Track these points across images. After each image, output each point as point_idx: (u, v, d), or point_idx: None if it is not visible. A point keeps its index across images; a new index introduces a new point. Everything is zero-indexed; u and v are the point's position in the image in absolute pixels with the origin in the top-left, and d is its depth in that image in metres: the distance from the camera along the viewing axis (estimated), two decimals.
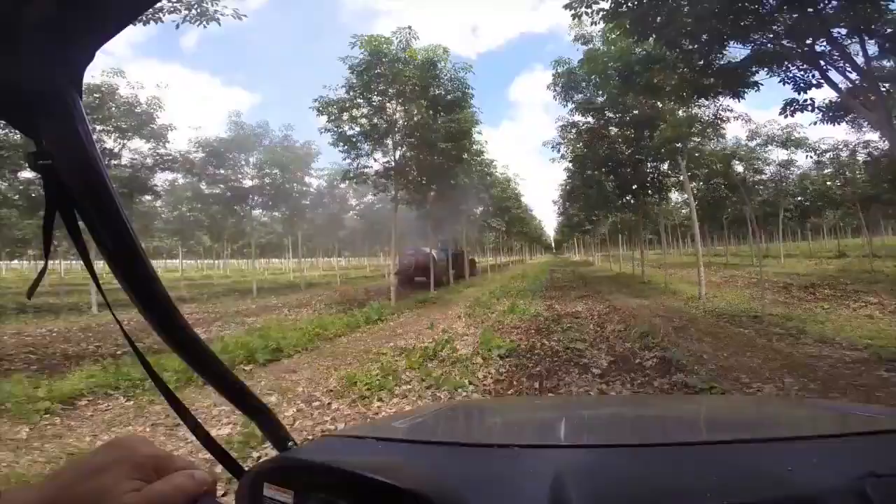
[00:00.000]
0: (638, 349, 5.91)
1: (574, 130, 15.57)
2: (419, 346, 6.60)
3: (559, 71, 13.15)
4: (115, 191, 0.45)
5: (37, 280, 0.51)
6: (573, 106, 13.89)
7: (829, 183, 25.44)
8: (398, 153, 12.96)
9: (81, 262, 0.53)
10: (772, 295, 12.00)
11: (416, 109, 12.04)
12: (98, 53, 0.44)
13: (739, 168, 22.59)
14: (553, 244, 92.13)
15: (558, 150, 17.39)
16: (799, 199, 23.71)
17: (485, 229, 29.11)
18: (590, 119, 14.76)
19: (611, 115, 13.61)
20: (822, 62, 6.64)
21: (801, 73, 6.88)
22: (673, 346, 5.90)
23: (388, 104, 12.07)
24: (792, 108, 7.09)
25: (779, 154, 22.06)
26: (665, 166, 14.30)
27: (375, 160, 13.19)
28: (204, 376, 0.58)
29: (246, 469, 0.63)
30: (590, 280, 18.83)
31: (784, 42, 6.65)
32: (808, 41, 6.48)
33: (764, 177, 23.31)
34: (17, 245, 22.75)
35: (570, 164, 18.03)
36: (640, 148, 14.57)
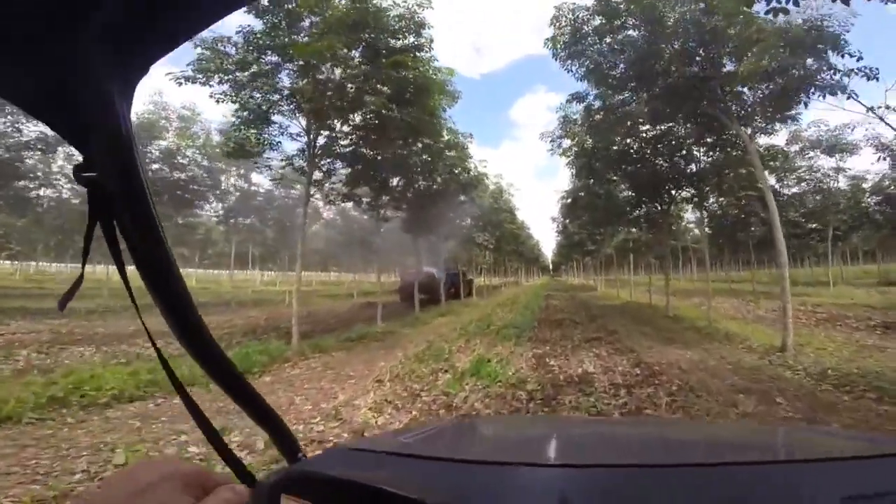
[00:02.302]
0: None
1: (581, 111, 11.62)
2: None
3: (563, 19, 9.03)
4: (154, 205, 0.46)
5: (72, 289, 0.49)
6: (583, 72, 9.68)
7: (868, 199, 21.79)
8: (322, 126, 8.94)
9: (117, 271, 0.52)
10: (884, 340, 8.02)
11: (343, 62, 8.03)
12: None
13: (771, 179, 18.91)
14: (551, 266, 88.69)
15: (559, 145, 13.56)
16: (844, 216, 19.67)
17: (472, 246, 24.99)
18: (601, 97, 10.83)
19: (637, 83, 9.36)
20: None
21: None
22: None
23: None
24: None
25: (824, 162, 18.35)
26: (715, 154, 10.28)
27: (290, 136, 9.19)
28: (221, 385, 0.60)
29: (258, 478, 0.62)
30: (595, 311, 14.60)
31: None
32: None
33: (802, 188, 19.52)
34: None
35: (575, 163, 13.97)
36: (673, 133, 10.68)
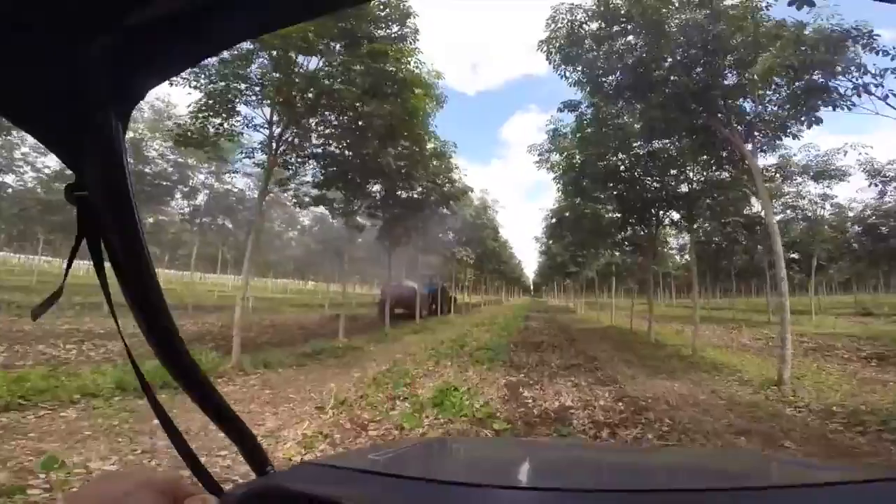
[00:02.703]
0: None
1: (572, 123, 11.12)
2: None
3: (560, 20, 8.22)
4: (142, 226, 0.47)
5: (49, 301, 0.49)
6: (578, 77, 8.84)
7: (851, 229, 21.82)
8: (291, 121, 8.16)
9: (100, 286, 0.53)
10: (882, 373, 7.57)
11: (318, 50, 7.33)
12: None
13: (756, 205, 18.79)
14: (532, 286, 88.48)
15: (546, 160, 13.07)
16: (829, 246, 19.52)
17: (452, 261, 24.26)
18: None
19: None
20: None
21: None
22: None
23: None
24: None
25: (810, 188, 18.27)
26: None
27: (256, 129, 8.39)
28: (194, 397, 0.60)
29: (224, 489, 0.64)
30: (576, 335, 13.93)
31: None
32: None
33: (787, 215, 19.41)
34: None
35: (562, 179, 13.44)
36: (666, 150, 10.23)
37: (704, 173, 10.50)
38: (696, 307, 11.08)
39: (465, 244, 24.20)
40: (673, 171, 10.58)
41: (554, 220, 22.99)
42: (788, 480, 0.90)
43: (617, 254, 18.03)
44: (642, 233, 13.21)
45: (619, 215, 13.70)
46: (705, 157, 10.06)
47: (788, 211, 17.53)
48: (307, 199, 11.37)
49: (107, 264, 0.50)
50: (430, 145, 12.89)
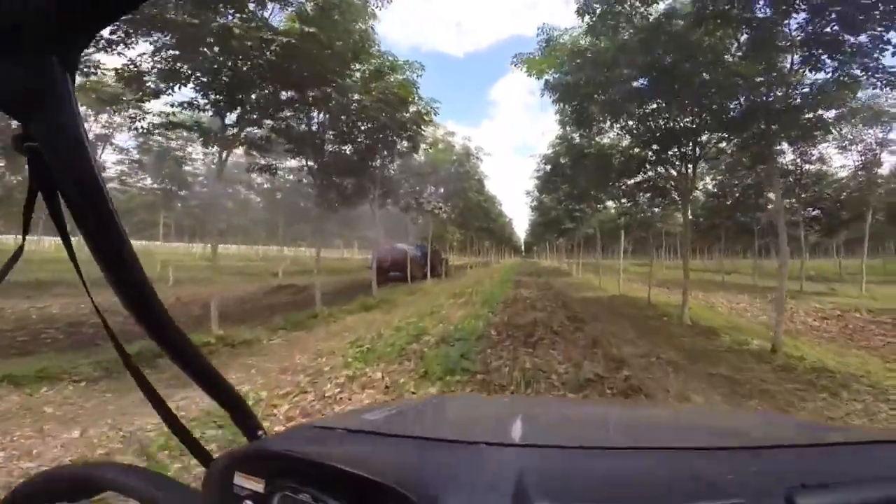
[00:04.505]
0: None
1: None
2: None
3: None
4: (101, 177, 0.44)
5: (8, 263, 0.48)
6: None
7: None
8: None
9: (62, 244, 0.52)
10: None
11: None
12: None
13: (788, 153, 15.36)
14: (523, 247, 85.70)
15: (538, 77, 9.35)
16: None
17: (435, 219, 20.62)
18: None
19: None
20: None
21: None
22: None
23: None
24: None
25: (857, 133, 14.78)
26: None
27: None
28: (178, 362, 0.58)
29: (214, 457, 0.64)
30: (579, 310, 10.45)
31: None
32: None
33: (827, 167, 16.07)
34: None
35: (561, 103, 9.72)
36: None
37: (763, 90, 6.86)
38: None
39: (446, 198, 20.57)
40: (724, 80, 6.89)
41: (548, 166, 19.32)
42: (796, 440, 0.87)
43: (624, 202, 14.42)
44: (665, 172, 9.67)
45: (637, 149, 10.14)
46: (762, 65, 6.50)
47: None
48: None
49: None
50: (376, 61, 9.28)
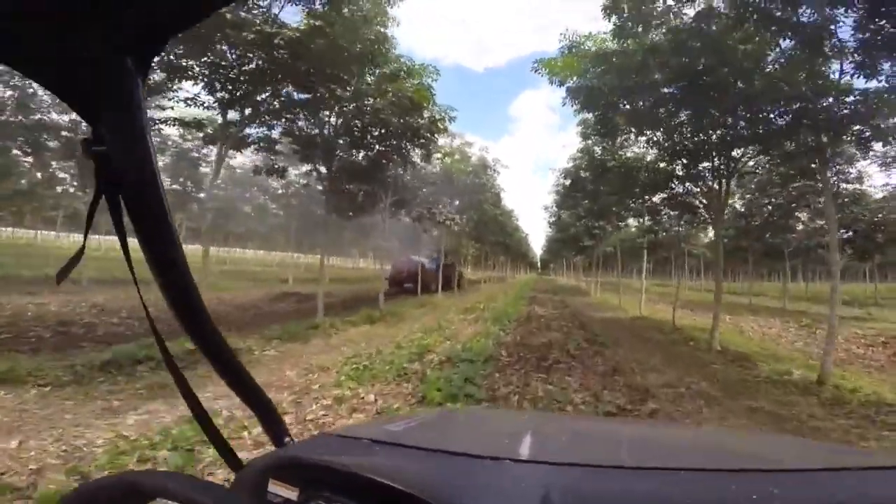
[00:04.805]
0: None
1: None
2: None
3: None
4: (161, 182, 0.45)
5: (71, 262, 0.48)
6: None
7: None
8: None
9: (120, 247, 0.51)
10: None
11: None
12: None
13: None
14: (539, 263, 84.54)
15: (558, 83, 8.86)
16: None
17: (450, 234, 20.16)
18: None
19: None
20: None
21: None
22: None
23: None
24: None
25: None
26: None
27: None
28: (214, 365, 0.60)
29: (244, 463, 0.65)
30: (598, 332, 9.75)
31: None
32: None
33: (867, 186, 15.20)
34: None
35: (582, 110, 9.19)
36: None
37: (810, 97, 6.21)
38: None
39: (462, 210, 20.10)
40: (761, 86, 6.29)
41: (568, 181, 18.73)
42: (822, 464, 0.84)
43: (646, 220, 13.66)
44: (701, 187, 9.01)
45: (664, 164, 9.54)
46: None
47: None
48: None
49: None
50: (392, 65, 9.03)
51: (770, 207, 16.75)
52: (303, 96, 8.09)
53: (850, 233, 16.12)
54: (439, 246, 21.33)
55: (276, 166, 8.75)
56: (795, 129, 6.36)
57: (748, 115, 6.97)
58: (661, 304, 18.13)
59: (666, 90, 7.57)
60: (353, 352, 6.41)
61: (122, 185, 0.44)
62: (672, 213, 11.01)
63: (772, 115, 6.90)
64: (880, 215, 16.15)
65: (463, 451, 0.75)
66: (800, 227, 18.60)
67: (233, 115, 7.94)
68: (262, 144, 8.80)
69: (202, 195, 23.37)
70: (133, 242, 0.50)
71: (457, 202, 20.37)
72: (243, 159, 18.81)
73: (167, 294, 0.50)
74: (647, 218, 12.33)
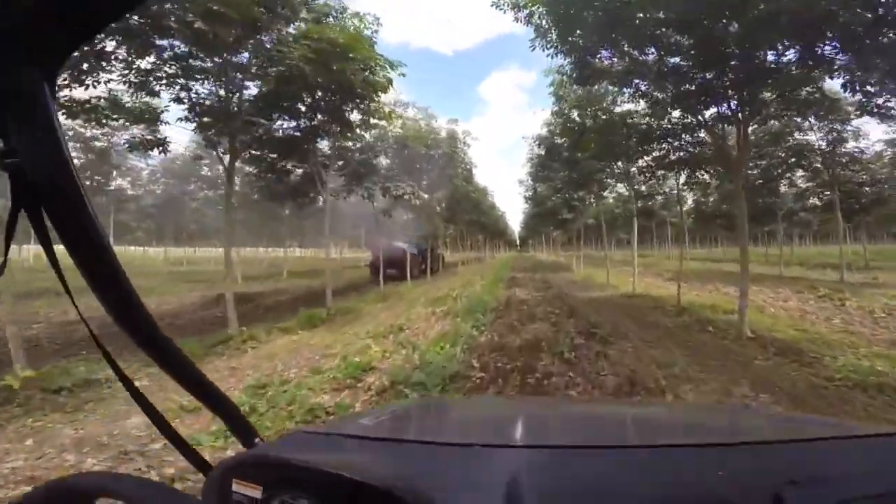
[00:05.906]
0: None
1: None
2: None
3: None
4: (84, 189, 0.44)
5: None
6: None
7: None
8: None
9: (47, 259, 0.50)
10: None
11: None
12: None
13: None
14: (518, 241, 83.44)
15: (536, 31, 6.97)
16: None
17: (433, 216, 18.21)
18: None
19: None
20: None
21: None
22: None
23: None
24: None
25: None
26: None
27: None
28: (170, 373, 0.58)
29: (213, 465, 0.63)
30: (591, 317, 7.94)
31: None
32: None
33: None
34: None
35: (562, 57, 7.24)
36: None
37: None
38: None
39: (431, 189, 18.11)
40: None
41: (542, 149, 16.88)
42: (784, 435, 0.86)
43: (633, 185, 11.95)
44: (708, 138, 7.29)
45: (651, 118, 7.82)
46: None
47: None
48: None
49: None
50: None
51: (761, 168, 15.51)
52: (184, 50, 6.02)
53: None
54: (411, 229, 19.46)
55: (154, 138, 6.64)
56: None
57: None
58: (648, 276, 16.73)
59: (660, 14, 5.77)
60: (259, 377, 4.52)
61: (40, 195, 0.42)
62: (668, 173, 9.30)
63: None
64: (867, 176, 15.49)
65: (431, 440, 0.78)
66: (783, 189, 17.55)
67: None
68: (146, 116, 6.67)
69: (138, 192, 20.69)
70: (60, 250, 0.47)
71: (424, 181, 18.38)
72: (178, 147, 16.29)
73: (106, 303, 0.48)
74: (641, 179, 10.59)
